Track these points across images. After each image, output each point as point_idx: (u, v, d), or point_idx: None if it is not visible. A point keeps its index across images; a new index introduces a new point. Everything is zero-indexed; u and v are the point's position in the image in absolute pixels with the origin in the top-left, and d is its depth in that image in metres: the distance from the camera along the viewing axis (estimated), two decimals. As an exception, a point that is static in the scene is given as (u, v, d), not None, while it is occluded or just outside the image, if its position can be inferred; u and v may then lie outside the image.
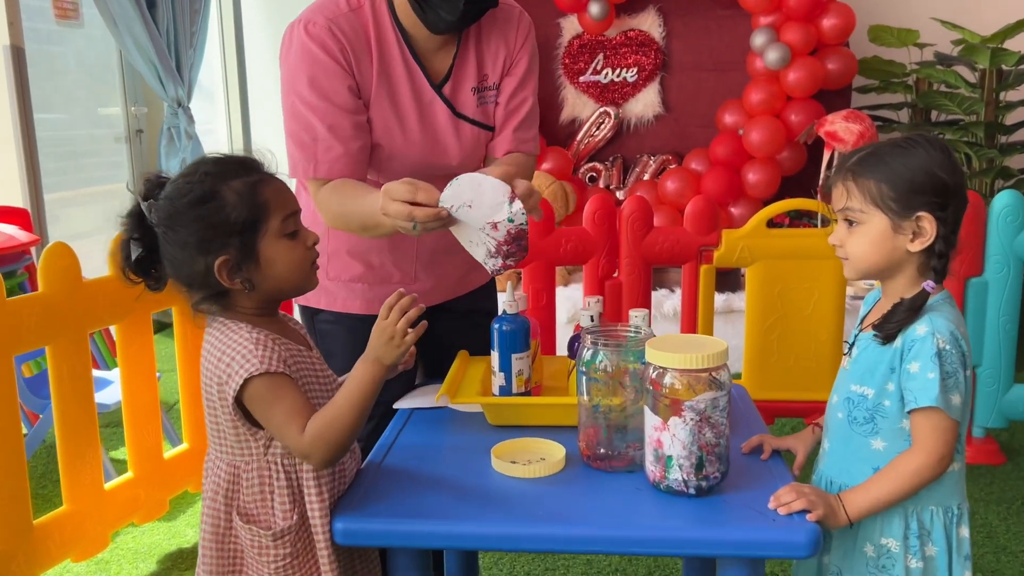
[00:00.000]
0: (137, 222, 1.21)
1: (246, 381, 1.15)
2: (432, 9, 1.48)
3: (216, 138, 5.09)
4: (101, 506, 2.10)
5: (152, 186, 1.22)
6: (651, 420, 1.23)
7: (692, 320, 2.84)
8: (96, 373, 2.79)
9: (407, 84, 1.55)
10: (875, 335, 1.24)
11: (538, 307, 2.76)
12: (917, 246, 1.21)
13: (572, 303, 3.74)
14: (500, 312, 1.54)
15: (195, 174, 1.19)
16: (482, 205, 1.34)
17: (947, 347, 1.17)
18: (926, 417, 1.18)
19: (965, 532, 1.25)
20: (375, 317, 1.33)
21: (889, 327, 1.22)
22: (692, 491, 1.20)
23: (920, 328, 1.19)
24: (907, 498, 1.21)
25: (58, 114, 4.09)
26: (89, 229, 4.28)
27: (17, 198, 3.47)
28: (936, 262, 1.22)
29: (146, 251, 1.21)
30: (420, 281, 1.70)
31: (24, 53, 3.39)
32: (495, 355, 1.54)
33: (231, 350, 1.17)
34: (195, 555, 1.28)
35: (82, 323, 2.01)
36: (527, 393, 1.55)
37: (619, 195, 4.53)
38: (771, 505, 1.17)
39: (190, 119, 4.40)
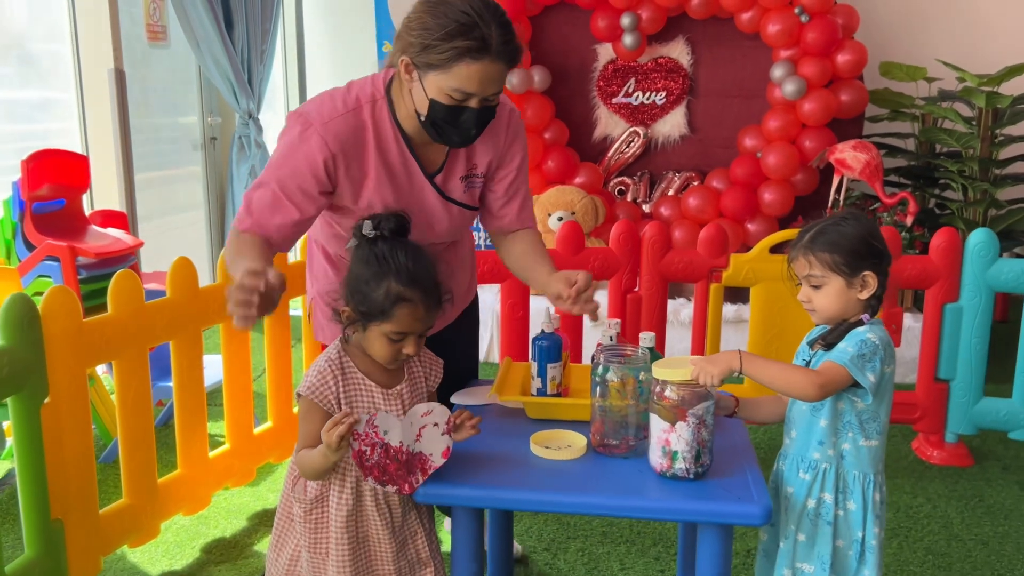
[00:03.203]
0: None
1: (299, 395, 1.60)
2: (446, 135, 1.73)
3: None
4: (206, 471, 2.57)
5: (378, 222, 1.57)
6: (659, 424, 1.61)
7: (702, 331, 3.25)
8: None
9: (402, 171, 1.81)
10: (821, 343, 1.67)
11: (567, 316, 3.16)
12: (865, 295, 1.65)
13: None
14: (540, 331, 1.98)
15: (392, 257, 1.53)
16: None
17: (875, 340, 1.60)
18: (827, 363, 1.58)
19: (878, 497, 1.67)
20: None
21: (830, 339, 1.66)
22: (692, 476, 1.61)
23: (859, 328, 1.63)
24: (777, 387, 1.60)
25: (144, 122, 4.57)
26: (168, 208, 4.74)
27: (113, 202, 3.96)
28: (875, 303, 1.67)
29: None
30: None
31: (125, 76, 3.87)
32: (534, 364, 1.97)
33: (313, 367, 1.61)
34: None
35: (198, 323, 2.48)
36: (558, 394, 1.98)
37: (645, 208, 4.92)
38: (701, 381, 1.56)
39: (259, 129, 4.86)
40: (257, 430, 2.82)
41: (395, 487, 1.55)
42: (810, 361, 1.72)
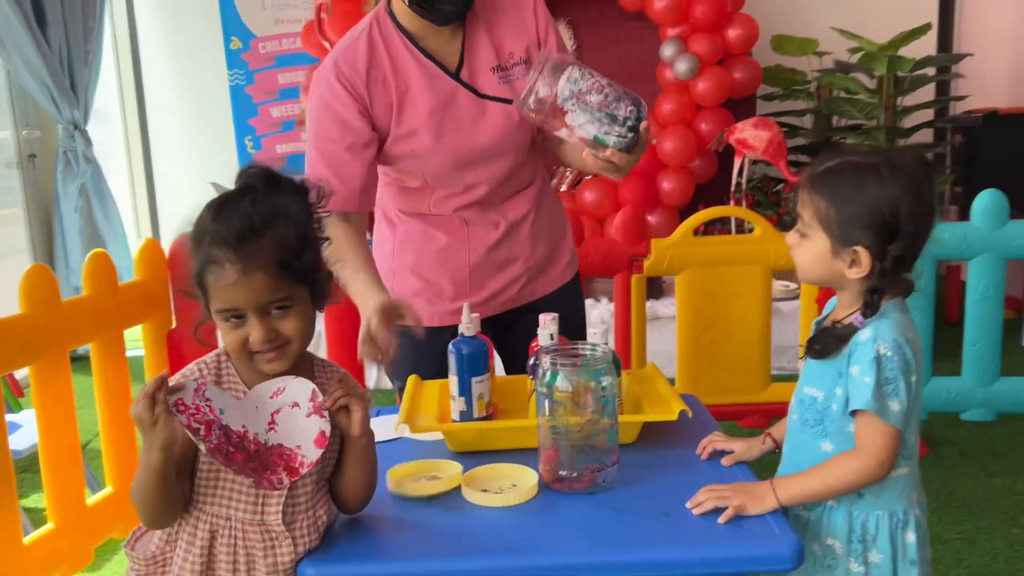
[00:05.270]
0: None
1: None
2: (430, 13, 1.59)
3: (116, 162, 4.87)
4: (21, 563, 1.95)
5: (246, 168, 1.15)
6: (566, 135, 1.50)
7: (625, 329, 2.85)
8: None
9: (424, 84, 1.63)
10: (808, 350, 1.27)
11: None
12: (853, 274, 1.22)
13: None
14: (458, 335, 1.50)
15: (204, 213, 1.11)
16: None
17: (888, 353, 1.19)
18: (863, 420, 1.21)
19: (911, 537, 1.27)
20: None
21: (819, 350, 1.25)
22: (630, 134, 1.47)
23: (864, 333, 1.21)
24: (839, 494, 1.24)
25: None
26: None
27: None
28: (868, 297, 1.22)
29: None
30: (473, 295, 1.75)
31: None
32: (454, 380, 1.50)
33: (184, 369, 1.15)
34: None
35: (-7, 366, 1.87)
36: (488, 417, 1.51)
37: (537, 207, 4.53)
38: (688, 505, 1.22)
39: (88, 142, 4.18)
40: (92, 500, 2.21)
41: (249, 479, 1.11)
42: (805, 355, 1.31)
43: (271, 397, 1.13)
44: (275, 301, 1.10)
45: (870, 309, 1.22)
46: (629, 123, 1.46)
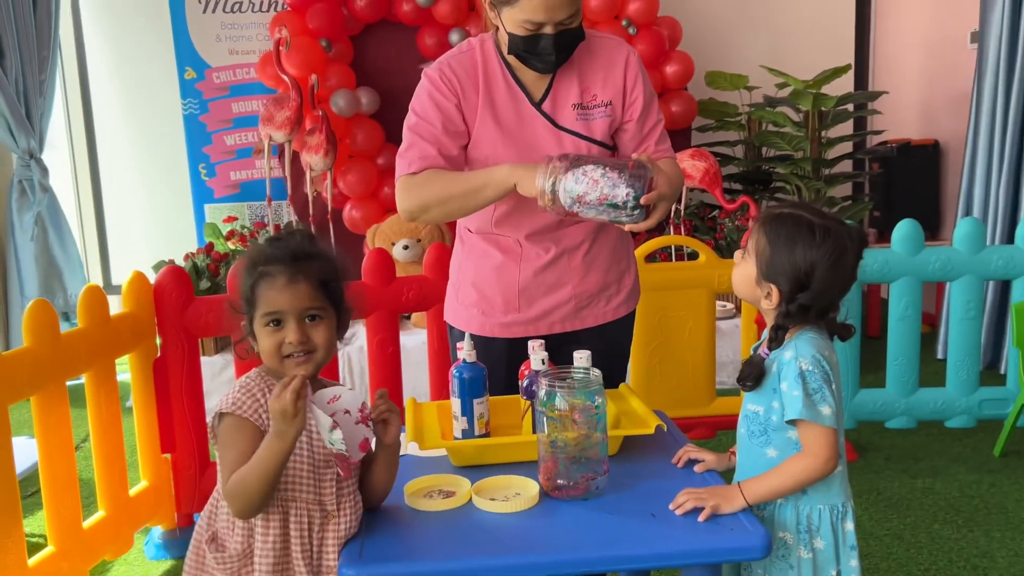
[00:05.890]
0: None
1: (219, 415, 1.32)
2: (531, 64, 1.80)
3: (64, 190, 4.88)
4: (26, 584, 2.03)
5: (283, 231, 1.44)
6: (594, 213, 1.66)
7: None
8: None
9: (510, 104, 1.84)
10: (742, 383, 1.48)
11: (384, 355, 2.69)
12: (764, 305, 1.46)
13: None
14: (460, 361, 1.68)
15: (260, 247, 1.38)
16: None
17: (809, 368, 1.40)
18: (804, 427, 1.42)
19: (850, 526, 1.48)
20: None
21: (750, 385, 1.47)
22: (635, 211, 1.62)
23: (786, 353, 1.43)
24: (796, 490, 1.44)
25: None
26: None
27: None
28: (772, 332, 1.44)
29: None
30: (523, 311, 1.91)
31: None
32: (456, 401, 1.67)
33: (234, 386, 1.35)
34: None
35: (1, 397, 1.96)
36: (487, 434, 1.69)
37: (487, 232, 4.71)
38: (671, 507, 1.40)
39: (44, 170, 4.21)
40: (87, 523, 2.29)
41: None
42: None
43: (328, 403, 1.34)
44: (312, 308, 1.34)
45: (774, 343, 1.44)
46: (630, 204, 1.62)
